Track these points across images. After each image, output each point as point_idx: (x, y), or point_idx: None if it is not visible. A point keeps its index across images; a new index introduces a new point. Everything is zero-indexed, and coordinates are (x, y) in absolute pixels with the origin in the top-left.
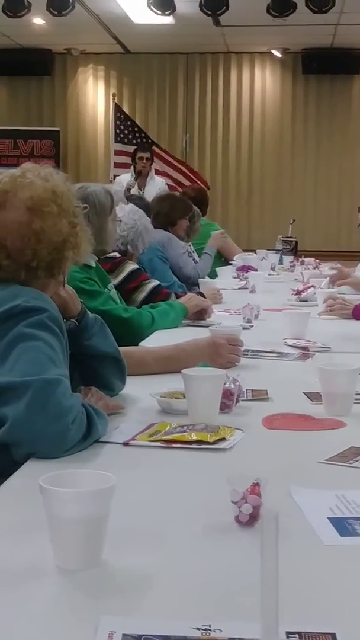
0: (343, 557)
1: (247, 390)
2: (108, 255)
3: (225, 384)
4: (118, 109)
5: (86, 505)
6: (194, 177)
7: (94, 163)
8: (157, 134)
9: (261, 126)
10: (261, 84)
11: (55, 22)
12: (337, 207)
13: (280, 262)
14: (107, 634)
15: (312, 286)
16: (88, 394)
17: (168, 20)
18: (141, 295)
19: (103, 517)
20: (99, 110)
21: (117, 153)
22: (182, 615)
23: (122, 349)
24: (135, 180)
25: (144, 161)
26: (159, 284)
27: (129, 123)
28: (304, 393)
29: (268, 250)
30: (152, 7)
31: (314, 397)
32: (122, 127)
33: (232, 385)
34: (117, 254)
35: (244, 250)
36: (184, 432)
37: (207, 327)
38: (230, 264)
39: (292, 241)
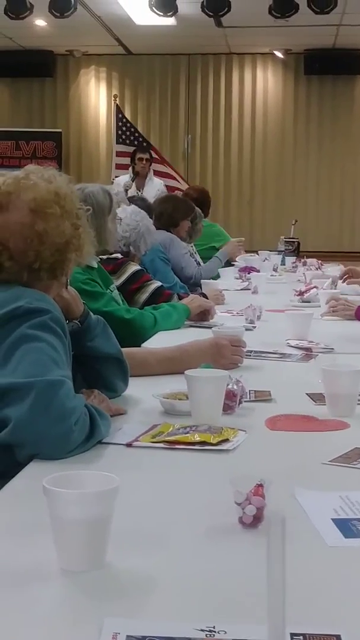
0: (347, 558)
1: (250, 391)
2: (110, 256)
3: (228, 385)
4: (119, 110)
5: (90, 507)
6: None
7: (95, 164)
8: (159, 135)
9: (263, 127)
10: (263, 85)
11: (57, 23)
12: (339, 208)
13: (283, 263)
14: (111, 636)
15: (315, 287)
16: (90, 397)
17: (170, 21)
18: (143, 296)
19: (106, 518)
20: (101, 112)
21: (119, 154)
22: (186, 617)
23: (124, 350)
24: (133, 181)
25: (143, 162)
26: (162, 285)
27: (129, 124)
28: (307, 394)
29: (270, 251)
30: (154, 8)
31: (317, 398)
32: (123, 129)
33: (235, 387)
34: (119, 255)
35: (246, 252)
36: (187, 433)
37: (209, 328)
38: (233, 265)
39: (294, 242)
